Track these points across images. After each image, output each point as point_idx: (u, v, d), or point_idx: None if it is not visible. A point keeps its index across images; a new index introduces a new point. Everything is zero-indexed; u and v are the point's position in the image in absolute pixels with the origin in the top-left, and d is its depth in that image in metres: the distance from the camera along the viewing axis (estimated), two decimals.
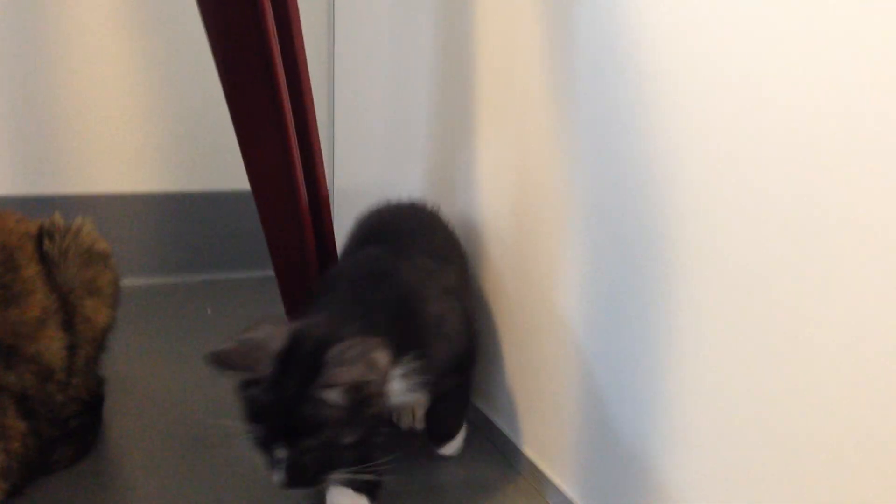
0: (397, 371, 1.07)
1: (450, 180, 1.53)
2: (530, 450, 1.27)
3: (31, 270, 1.22)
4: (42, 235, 1.27)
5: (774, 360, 0.83)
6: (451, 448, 1.31)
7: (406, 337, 1.09)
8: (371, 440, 1.01)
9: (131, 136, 2.00)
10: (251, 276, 2.02)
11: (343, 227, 2.07)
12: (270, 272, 1.79)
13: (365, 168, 2.00)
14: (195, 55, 1.83)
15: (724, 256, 0.88)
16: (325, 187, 1.69)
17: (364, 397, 0.97)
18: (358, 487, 1.09)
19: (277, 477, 0.98)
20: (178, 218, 2.04)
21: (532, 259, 1.25)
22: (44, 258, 1.25)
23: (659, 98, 0.96)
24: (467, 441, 1.36)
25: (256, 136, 1.61)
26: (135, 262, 1.90)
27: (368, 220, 1.41)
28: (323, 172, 1.67)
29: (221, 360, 0.99)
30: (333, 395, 0.96)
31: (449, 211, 1.53)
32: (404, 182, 1.74)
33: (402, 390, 1.09)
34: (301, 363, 0.98)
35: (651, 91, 0.97)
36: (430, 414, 1.28)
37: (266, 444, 0.98)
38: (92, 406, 1.30)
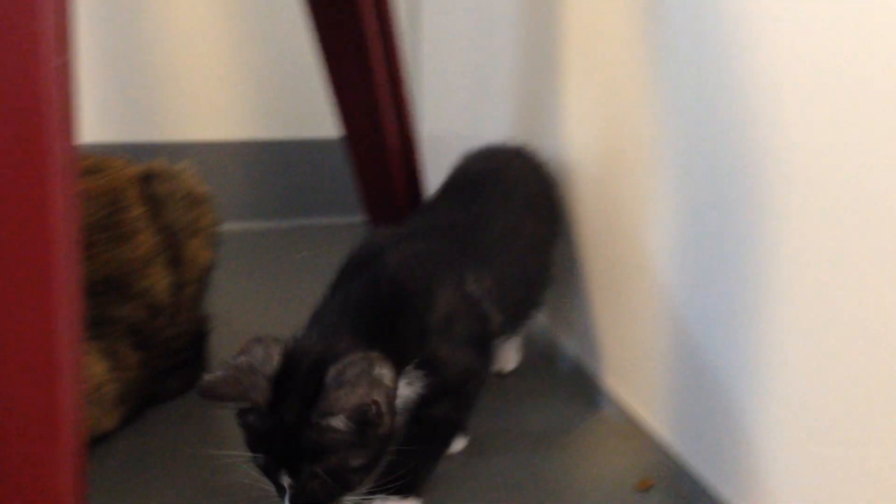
0: (403, 381, 0.99)
1: (537, 123, 1.54)
2: (619, 389, 1.29)
3: (137, 211, 1.29)
4: (147, 179, 1.34)
5: (879, 306, 0.82)
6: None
7: (409, 342, 1.01)
8: (382, 458, 0.96)
9: (226, 86, 2.06)
10: (342, 222, 2.07)
11: (431, 171, 2.10)
12: (361, 218, 1.84)
13: (452, 112, 2.02)
14: (287, 3, 1.87)
15: (825, 194, 0.87)
16: (414, 132, 1.72)
17: (371, 419, 0.91)
18: (397, 491, 1.02)
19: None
20: (271, 165, 2.10)
21: (622, 199, 1.27)
22: (149, 200, 1.32)
23: (756, 37, 0.95)
24: (553, 382, 1.39)
25: (346, 82, 1.64)
26: (230, 207, 1.96)
27: (457, 167, 1.39)
28: (411, 117, 1.70)
29: (212, 392, 0.92)
30: (337, 423, 0.90)
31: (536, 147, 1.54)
32: (491, 126, 1.75)
33: (413, 395, 1.02)
34: (298, 386, 0.93)
35: (748, 31, 0.97)
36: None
37: (270, 472, 0.93)
38: (197, 340, 1.37)
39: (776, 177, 0.93)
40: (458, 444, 1.17)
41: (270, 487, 0.95)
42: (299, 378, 0.93)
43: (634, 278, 1.24)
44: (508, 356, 1.34)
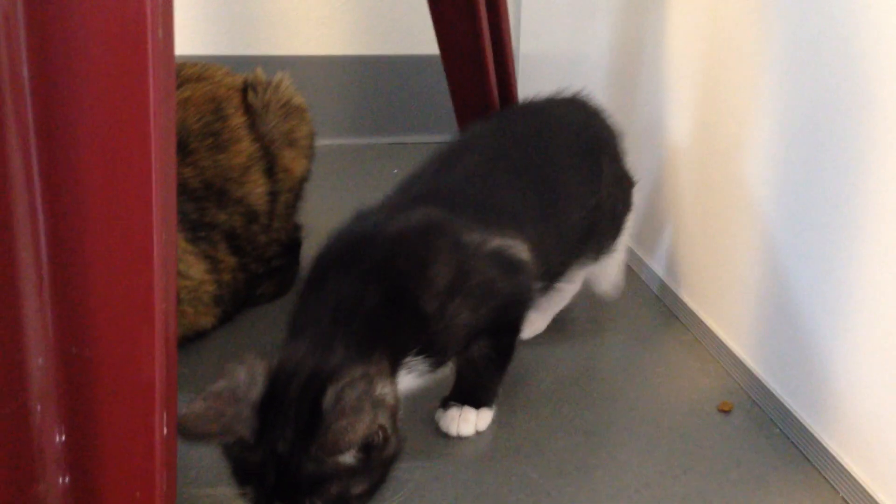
0: (404, 371, 0.92)
1: (636, 43, 1.51)
2: (703, 313, 1.28)
3: (237, 120, 1.32)
4: (247, 88, 1.37)
5: None
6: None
7: (409, 333, 0.92)
8: (386, 479, 0.88)
9: (325, 1, 2.07)
10: (436, 140, 2.08)
11: (527, 92, 2.08)
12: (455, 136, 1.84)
13: (550, 33, 1.99)
14: None
15: None
16: (511, 49, 1.70)
17: (377, 445, 0.84)
18: (470, 403, 1.04)
19: None
20: (368, 81, 2.11)
21: (719, 123, 1.24)
22: (248, 109, 1.35)
23: None
24: (638, 304, 1.39)
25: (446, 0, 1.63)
26: (327, 122, 2.00)
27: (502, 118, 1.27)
28: (509, 34, 1.68)
29: (191, 430, 0.80)
30: (343, 458, 0.82)
31: (633, 74, 1.52)
32: (589, 47, 1.73)
33: (412, 382, 0.94)
34: (289, 413, 0.82)
35: None
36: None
37: None
38: (291, 248, 1.41)
39: (877, 108, 0.90)
40: (471, 423, 1.07)
41: None
42: (289, 403, 0.83)
43: (726, 203, 1.22)
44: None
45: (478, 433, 1.06)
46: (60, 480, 0.73)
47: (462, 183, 1.06)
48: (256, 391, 0.83)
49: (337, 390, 0.81)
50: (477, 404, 1.06)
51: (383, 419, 0.83)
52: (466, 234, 0.97)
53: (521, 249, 1.01)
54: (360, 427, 0.80)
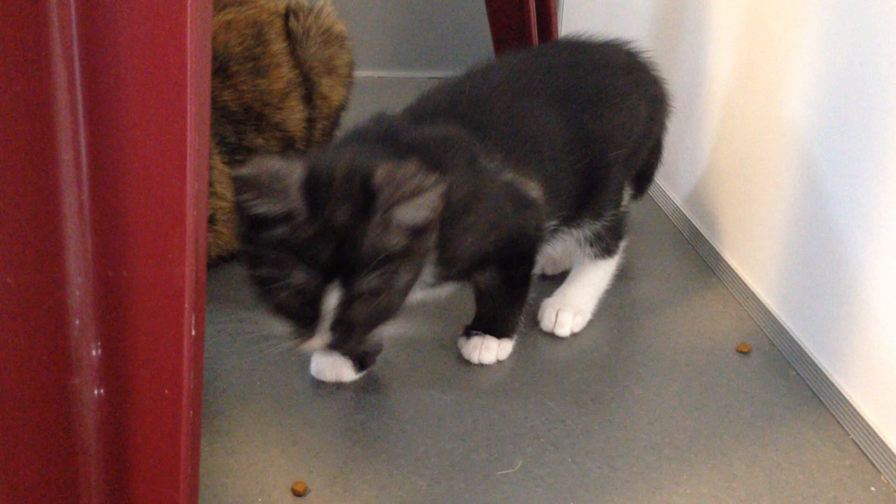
0: None
1: None
2: (730, 256, 1.29)
3: (278, 46, 1.34)
4: (288, 14, 1.38)
5: None
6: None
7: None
8: (413, 285, 0.89)
9: None
10: None
11: (567, 30, 2.07)
12: None
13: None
14: None
15: None
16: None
17: (425, 232, 0.85)
18: (493, 334, 1.07)
19: (320, 337, 0.84)
20: (410, 13, 2.11)
21: (760, 65, 1.23)
22: (289, 35, 1.36)
23: None
24: (668, 248, 1.40)
25: None
26: (367, 53, 2.01)
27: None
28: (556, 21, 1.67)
29: (251, 183, 0.80)
30: (404, 214, 0.82)
31: (677, 18, 1.51)
32: None
33: (413, 294, 0.94)
34: (341, 190, 0.82)
35: None
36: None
37: (311, 291, 0.82)
38: None
39: None
40: (493, 351, 1.09)
41: (289, 325, 0.86)
42: (337, 183, 0.82)
43: (758, 147, 1.22)
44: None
45: (498, 362, 1.09)
46: (96, 392, 0.78)
47: (486, 105, 1.04)
48: (298, 174, 0.81)
49: (389, 168, 0.82)
50: (498, 334, 1.08)
51: (436, 196, 0.82)
52: (484, 157, 0.98)
53: (533, 188, 1.01)
54: (425, 202, 0.81)
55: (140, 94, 0.74)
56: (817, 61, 1.08)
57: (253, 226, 0.82)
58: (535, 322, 1.16)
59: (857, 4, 1.00)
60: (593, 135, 1.08)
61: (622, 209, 1.18)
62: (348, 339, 0.85)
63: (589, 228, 1.13)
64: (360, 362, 1.04)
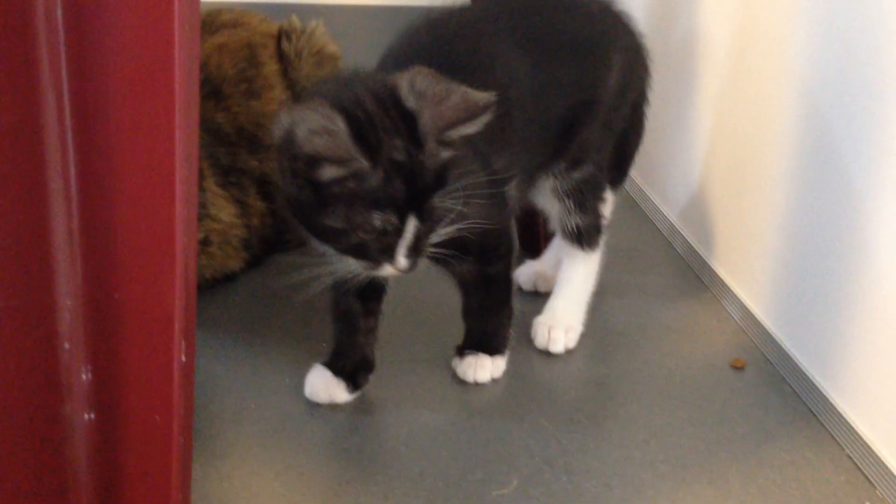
0: None
1: None
2: (725, 273, 1.29)
3: (271, 68, 1.34)
4: (281, 36, 1.38)
5: None
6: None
7: None
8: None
9: None
10: None
11: None
12: None
13: None
14: None
15: None
16: None
17: (456, 122, 0.86)
18: (339, 372, 1.03)
19: (404, 259, 0.87)
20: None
21: (750, 79, 1.24)
22: (282, 57, 1.37)
23: None
24: (662, 263, 1.41)
25: None
26: None
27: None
28: None
29: (317, 148, 0.83)
30: (460, 132, 0.86)
31: (671, 20, 1.51)
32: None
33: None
34: (384, 126, 0.85)
35: None
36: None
37: (391, 230, 0.86)
38: None
39: None
40: (487, 369, 1.09)
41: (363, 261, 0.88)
42: (375, 118, 0.85)
43: (750, 163, 1.22)
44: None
45: (493, 381, 1.09)
46: (86, 417, 0.78)
47: (457, 49, 1.03)
48: (342, 126, 0.83)
49: (407, 83, 0.86)
50: (491, 351, 1.08)
51: (460, 97, 0.86)
52: None
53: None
54: (451, 102, 0.85)
55: (129, 121, 0.75)
56: (807, 76, 1.09)
57: (312, 173, 0.85)
58: (529, 340, 1.16)
59: (846, 21, 1.01)
60: (563, 77, 1.07)
61: (602, 177, 1.16)
62: (417, 258, 0.89)
63: (566, 179, 1.11)
64: (353, 382, 1.04)
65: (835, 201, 1.03)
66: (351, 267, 0.91)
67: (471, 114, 0.86)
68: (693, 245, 1.38)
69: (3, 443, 0.75)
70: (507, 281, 1.07)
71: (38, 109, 0.74)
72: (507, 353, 1.10)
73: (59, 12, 0.73)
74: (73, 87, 0.75)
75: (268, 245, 1.33)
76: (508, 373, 1.10)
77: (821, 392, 1.04)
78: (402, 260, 0.88)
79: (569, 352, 1.15)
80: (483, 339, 1.09)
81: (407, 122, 0.85)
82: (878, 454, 0.94)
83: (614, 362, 1.14)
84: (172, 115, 0.74)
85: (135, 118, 0.76)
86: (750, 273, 1.22)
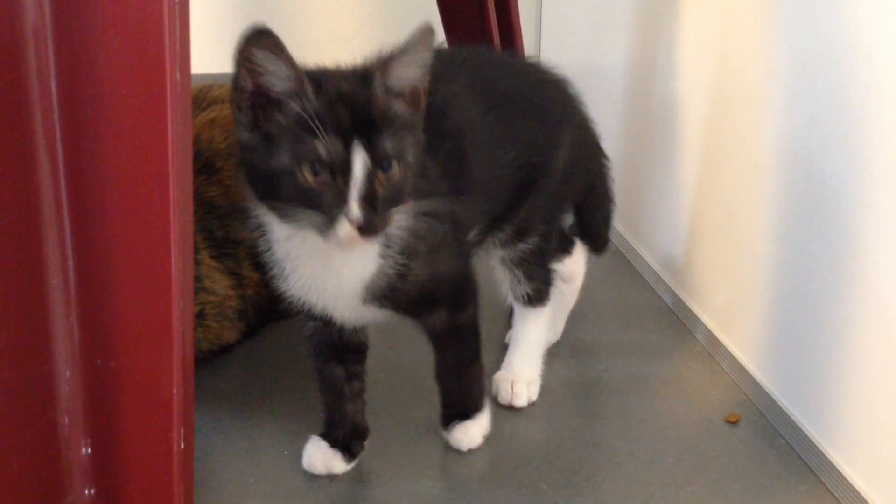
0: None
1: (650, 56, 1.54)
2: (714, 325, 1.31)
3: None
4: None
5: None
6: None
7: None
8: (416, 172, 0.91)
9: (349, 16, 2.11)
10: None
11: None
12: None
13: (571, 41, 2.02)
14: None
15: None
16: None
17: (420, 98, 0.90)
18: (334, 443, 1.05)
19: (353, 212, 0.84)
20: None
21: (730, 133, 1.27)
22: None
23: None
24: (648, 315, 1.42)
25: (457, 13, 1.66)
26: None
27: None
28: (522, 51, 1.70)
29: (272, 42, 0.84)
30: (400, 72, 0.88)
31: (648, 86, 1.54)
32: (606, 59, 1.75)
33: None
34: (340, 71, 0.90)
35: None
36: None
37: (338, 157, 0.84)
38: None
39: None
40: (470, 435, 1.09)
41: (320, 214, 0.85)
42: (336, 71, 0.90)
43: (738, 217, 1.24)
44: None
45: (488, 446, 1.09)
46: (87, 492, 0.78)
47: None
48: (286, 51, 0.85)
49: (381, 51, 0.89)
50: (471, 412, 1.09)
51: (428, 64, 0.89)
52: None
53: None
54: (417, 59, 0.88)
55: (124, 197, 0.77)
56: (787, 129, 1.11)
57: (259, 109, 0.86)
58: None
59: (823, 68, 1.04)
60: (517, 134, 1.09)
61: (552, 246, 1.19)
62: (375, 217, 0.85)
63: (513, 250, 1.14)
64: (349, 451, 1.05)
65: (823, 251, 1.05)
66: (306, 236, 0.90)
67: (409, 46, 0.88)
68: (683, 299, 1.40)
69: None
70: (476, 331, 1.08)
71: (34, 182, 0.75)
72: (487, 408, 1.10)
73: (53, 85, 0.75)
74: (67, 157, 0.77)
75: (263, 315, 1.34)
76: (503, 436, 1.11)
77: (816, 446, 1.05)
78: (354, 207, 0.84)
79: (564, 412, 1.16)
80: (463, 402, 1.09)
81: (363, 73, 0.89)
82: None
83: (610, 421, 1.15)
84: (167, 192, 0.76)
85: (131, 194, 0.77)
86: (741, 326, 1.24)
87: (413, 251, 0.95)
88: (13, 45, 0.72)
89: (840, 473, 1.00)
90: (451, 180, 0.99)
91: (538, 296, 1.18)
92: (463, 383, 1.09)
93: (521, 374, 1.19)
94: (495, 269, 1.17)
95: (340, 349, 1.05)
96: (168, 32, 0.73)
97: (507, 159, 1.09)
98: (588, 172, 1.23)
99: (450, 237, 1.01)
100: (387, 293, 0.96)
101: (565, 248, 1.27)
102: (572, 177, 1.17)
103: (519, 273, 1.16)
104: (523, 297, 1.17)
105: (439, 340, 1.06)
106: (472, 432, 1.09)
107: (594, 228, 1.30)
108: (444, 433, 1.10)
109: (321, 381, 1.06)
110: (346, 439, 1.05)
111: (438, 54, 0.95)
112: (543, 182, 1.13)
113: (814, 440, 1.05)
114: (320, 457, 1.04)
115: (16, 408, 0.77)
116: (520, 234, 1.14)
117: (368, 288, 0.95)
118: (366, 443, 1.07)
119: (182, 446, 0.73)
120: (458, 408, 1.09)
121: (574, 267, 1.30)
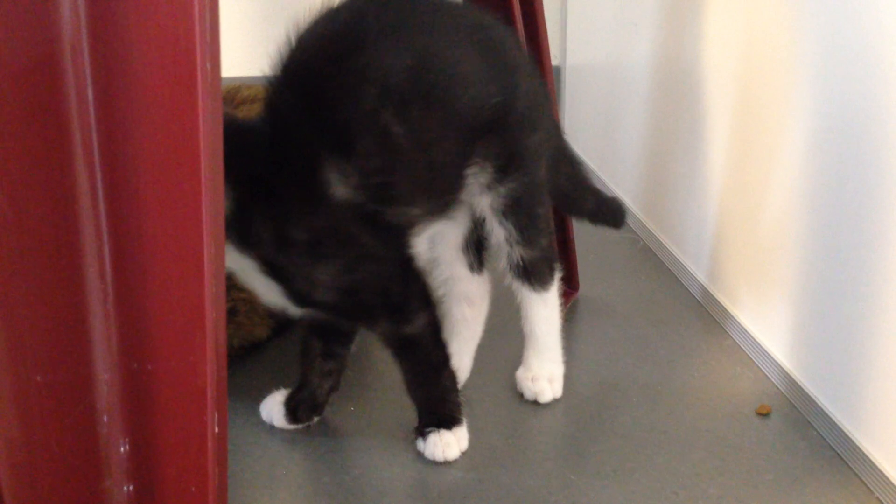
0: None
1: (675, 54, 1.54)
2: (744, 317, 1.30)
3: None
4: None
5: None
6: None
7: None
8: None
9: None
10: None
11: (575, 104, 2.11)
12: None
13: (595, 43, 2.03)
14: None
15: None
16: (550, 66, 1.73)
17: None
18: (287, 402, 1.11)
19: None
20: None
21: (757, 131, 1.26)
22: None
23: None
24: (679, 309, 1.42)
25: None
26: None
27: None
28: (547, 48, 1.70)
29: None
30: None
31: (673, 83, 1.54)
32: (631, 58, 1.75)
33: None
34: None
35: None
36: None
37: None
38: None
39: None
40: (439, 446, 1.07)
41: None
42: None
43: (767, 207, 1.24)
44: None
45: (509, 438, 1.10)
46: (126, 489, 0.80)
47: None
48: None
49: None
50: (448, 424, 1.06)
51: None
52: None
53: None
54: None
55: (159, 204, 0.78)
56: (808, 131, 1.11)
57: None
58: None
59: (850, 61, 1.03)
60: (470, 77, 1.04)
61: (539, 192, 1.12)
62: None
63: (497, 194, 1.08)
64: (294, 416, 1.12)
65: (853, 241, 1.04)
66: None
67: None
68: (711, 292, 1.39)
69: None
70: (434, 342, 1.05)
71: (72, 192, 0.77)
72: (465, 422, 1.08)
73: (90, 92, 0.76)
74: (104, 167, 0.78)
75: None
76: (533, 427, 1.11)
77: (847, 435, 1.04)
78: None
79: (594, 404, 1.16)
80: (435, 413, 1.06)
81: None
82: None
83: (639, 412, 1.15)
84: (199, 197, 0.77)
85: (164, 202, 0.79)
86: (770, 318, 1.23)
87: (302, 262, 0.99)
88: (51, 41, 0.74)
89: (872, 463, 1.00)
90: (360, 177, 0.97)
91: (537, 272, 1.13)
92: (432, 395, 1.07)
93: (540, 372, 1.18)
94: (490, 233, 1.11)
95: (324, 326, 1.10)
96: (199, 23, 0.74)
97: (463, 100, 1.02)
98: (553, 126, 1.19)
99: (358, 243, 0.99)
100: (303, 302, 1.02)
101: (480, 263, 1.19)
102: (538, 121, 1.11)
103: (509, 226, 1.09)
104: (518, 265, 1.11)
105: (393, 352, 1.06)
106: (448, 443, 1.05)
107: (593, 205, 1.31)
108: (419, 443, 1.07)
109: (300, 346, 1.13)
110: (296, 404, 1.12)
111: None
112: (511, 119, 1.06)
113: (845, 430, 1.05)
114: (269, 407, 1.13)
115: (59, 410, 0.79)
116: (501, 172, 1.07)
117: (286, 296, 1.02)
118: (316, 418, 1.13)
119: (216, 431, 0.74)
120: (435, 419, 1.06)
121: (485, 287, 1.20)
